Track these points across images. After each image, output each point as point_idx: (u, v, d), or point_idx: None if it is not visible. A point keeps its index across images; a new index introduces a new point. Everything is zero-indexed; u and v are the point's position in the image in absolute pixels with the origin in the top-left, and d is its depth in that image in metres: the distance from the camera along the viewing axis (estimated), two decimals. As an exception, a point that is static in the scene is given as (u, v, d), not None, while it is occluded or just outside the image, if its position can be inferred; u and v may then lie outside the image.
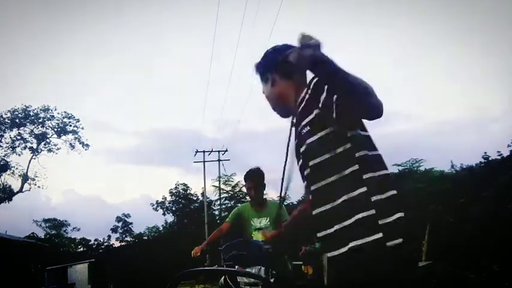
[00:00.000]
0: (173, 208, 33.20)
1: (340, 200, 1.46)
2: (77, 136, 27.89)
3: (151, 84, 57.62)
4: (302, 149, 1.59)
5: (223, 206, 28.21)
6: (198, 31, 57.39)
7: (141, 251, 29.78)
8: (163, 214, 33.70)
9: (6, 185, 26.88)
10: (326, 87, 1.43)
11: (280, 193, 1.64)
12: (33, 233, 34.80)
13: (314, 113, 1.52)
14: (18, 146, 27.08)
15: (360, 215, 1.40)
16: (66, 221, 39.63)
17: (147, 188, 74.24)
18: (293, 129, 1.61)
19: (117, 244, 36.72)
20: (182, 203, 32.75)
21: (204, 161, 26.76)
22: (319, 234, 1.53)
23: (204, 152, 26.78)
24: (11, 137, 26.99)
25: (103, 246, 37.11)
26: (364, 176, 1.44)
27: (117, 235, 37.09)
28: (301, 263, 13.15)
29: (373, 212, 1.40)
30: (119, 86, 56.35)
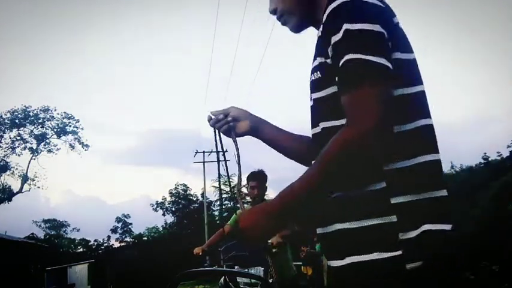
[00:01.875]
0: (173, 209, 33.23)
1: (343, 194, 1.02)
2: (76, 136, 27.92)
3: (152, 84, 57.63)
4: (311, 102, 1.14)
5: (223, 207, 28.22)
6: (198, 31, 57.44)
7: (141, 251, 29.77)
8: (163, 215, 33.76)
9: (6, 185, 26.91)
10: (332, 43, 0.98)
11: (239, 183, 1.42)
12: (32, 233, 34.79)
13: (318, 59, 1.08)
14: (18, 147, 27.10)
15: (373, 220, 0.97)
16: (65, 221, 39.66)
17: (147, 188, 74.28)
18: None
19: (116, 245, 36.75)
20: (182, 203, 32.77)
21: (203, 162, 26.79)
22: (318, 231, 1.12)
23: (203, 152, 26.81)
24: (10, 138, 27.01)
25: (103, 247, 37.09)
26: (385, 167, 0.98)
27: (117, 236, 37.12)
28: (301, 263, 13.16)
29: (394, 218, 0.96)
30: (119, 86, 56.35)
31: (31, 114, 27.00)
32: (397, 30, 1.04)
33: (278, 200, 1.02)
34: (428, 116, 1.04)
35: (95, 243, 37.67)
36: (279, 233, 3.44)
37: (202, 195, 28.86)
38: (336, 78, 0.99)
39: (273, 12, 1.24)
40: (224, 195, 27.86)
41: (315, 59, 1.10)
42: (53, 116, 27.56)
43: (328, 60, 1.03)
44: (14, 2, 49.90)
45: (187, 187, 32.93)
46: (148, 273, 23.09)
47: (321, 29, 1.07)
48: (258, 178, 4.22)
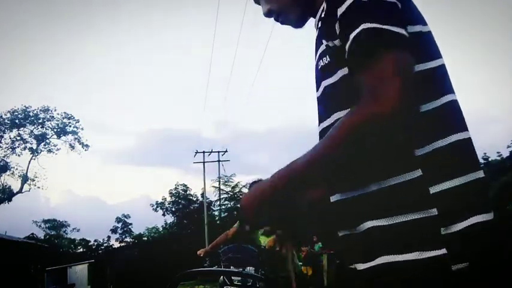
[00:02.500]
0: (173, 209, 33.19)
1: (374, 187, 0.88)
2: (76, 137, 27.94)
3: (152, 84, 57.63)
4: (319, 91, 1.03)
5: (223, 207, 28.24)
6: (198, 30, 57.46)
7: (141, 251, 29.78)
8: (163, 215, 33.72)
9: (6, 185, 26.93)
10: (339, 15, 0.88)
11: None
12: (32, 233, 34.78)
13: (325, 43, 0.98)
14: (18, 147, 27.13)
15: (411, 215, 0.83)
16: (65, 221, 39.65)
17: (147, 188, 74.26)
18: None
19: (116, 245, 36.72)
20: (182, 203, 32.74)
21: (203, 162, 26.78)
22: (341, 232, 0.99)
23: (203, 152, 26.82)
24: (10, 138, 27.04)
25: (103, 247, 37.08)
26: (418, 152, 0.86)
27: (117, 236, 37.08)
28: (301, 263, 13.10)
29: (434, 211, 0.83)
30: (119, 86, 56.34)
31: (31, 114, 27.02)
32: (410, 1, 0.95)
33: (275, 181, 0.92)
34: (452, 91, 0.94)
35: (95, 243, 37.67)
36: (272, 237, 3.66)
37: (202, 195, 28.86)
38: (347, 56, 0.87)
39: (268, 14, 1.12)
40: (224, 196, 27.87)
41: (320, 44, 1.01)
42: (53, 116, 27.62)
43: (337, 41, 0.91)
44: (14, 2, 49.94)
45: (187, 187, 32.94)
46: (148, 273, 23.08)
47: (324, 8, 0.98)
48: None
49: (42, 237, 36.19)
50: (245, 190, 27.70)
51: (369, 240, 0.89)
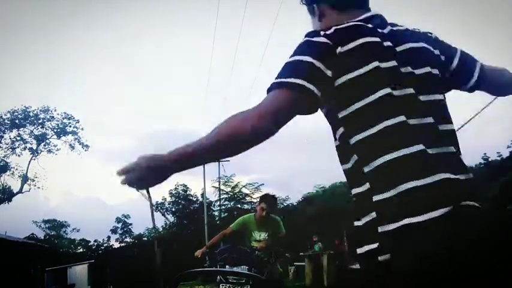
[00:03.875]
0: (173, 209, 33.19)
1: (353, 197, 1.19)
2: (76, 137, 27.93)
3: (152, 85, 57.66)
4: None
5: (223, 207, 28.23)
6: (198, 30, 57.47)
7: (140, 252, 29.76)
8: (163, 215, 33.71)
9: (6, 185, 26.91)
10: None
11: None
12: (32, 233, 34.81)
13: None
14: (18, 147, 27.11)
15: (364, 219, 1.12)
16: (65, 222, 39.66)
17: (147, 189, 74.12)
18: None
19: (116, 245, 36.72)
20: (182, 204, 32.74)
21: (203, 162, 26.74)
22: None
23: (203, 152, 26.76)
24: (10, 138, 27.03)
25: (103, 247, 37.09)
26: (365, 169, 1.12)
27: (117, 236, 37.07)
28: (304, 264, 13.06)
29: (374, 215, 1.08)
30: (119, 86, 56.35)
31: (31, 114, 27.02)
32: (350, 54, 1.14)
33: (173, 158, 1.15)
34: (393, 116, 1.11)
35: (95, 243, 37.68)
36: (264, 242, 4.49)
37: (202, 195, 28.85)
38: None
39: None
40: (224, 196, 27.85)
41: None
42: (53, 117, 27.60)
43: None
44: (14, 2, 49.94)
45: (187, 187, 32.93)
46: (148, 274, 23.10)
47: None
48: (269, 204, 4.79)
49: (42, 238, 36.20)
50: (245, 190, 27.71)
51: (355, 235, 1.16)
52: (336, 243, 15.77)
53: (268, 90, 1.16)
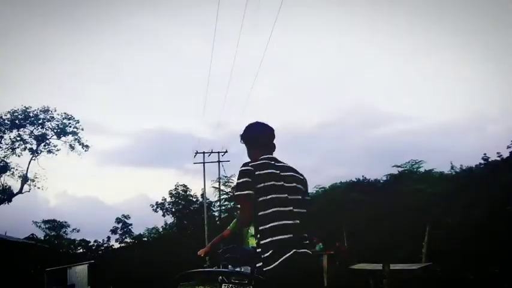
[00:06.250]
0: (173, 209, 33.21)
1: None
2: (76, 137, 27.90)
3: (153, 85, 57.67)
4: None
5: (223, 207, 28.22)
6: (199, 30, 57.46)
7: (140, 252, 29.77)
8: (163, 215, 33.73)
9: (6, 186, 26.88)
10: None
11: None
12: (32, 234, 34.81)
13: None
14: (18, 147, 27.08)
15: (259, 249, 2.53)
16: (65, 222, 39.68)
17: (147, 189, 74.25)
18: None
19: (116, 245, 36.73)
20: (182, 204, 32.75)
21: (204, 162, 26.79)
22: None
23: (204, 153, 26.81)
24: (10, 138, 26.99)
25: (103, 248, 37.11)
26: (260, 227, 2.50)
27: (117, 236, 37.09)
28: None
29: (261, 248, 2.49)
30: (120, 86, 56.39)
31: (31, 115, 26.99)
32: (258, 176, 2.48)
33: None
34: (277, 206, 2.45)
35: (95, 244, 37.69)
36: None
37: (202, 195, 28.86)
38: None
39: None
40: (224, 196, 27.85)
41: None
42: (53, 117, 27.55)
43: None
44: (14, 2, 49.94)
45: (187, 188, 32.95)
46: (148, 274, 23.10)
47: None
48: None
49: (42, 238, 36.20)
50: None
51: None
52: (336, 244, 15.78)
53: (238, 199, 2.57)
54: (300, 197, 2.55)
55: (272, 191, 2.42)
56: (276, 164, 2.56)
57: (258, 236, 2.49)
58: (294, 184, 2.54)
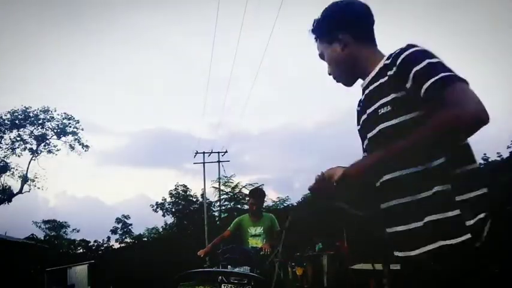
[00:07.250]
0: (173, 209, 33.17)
1: (423, 195, 1.30)
2: (76, 137, 27.89)
3: (153, 85, 57.66)
4: (375, 131, 1.42)
5: (223, 208, 28.20)
6: (199, 30, 57.47)
7: (140, 252, 29.75)
8: (163, 215, 33.70)
9: (5, 186, 26.86)
10: (412, 75, 1.28)
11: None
12: (32, 234, 34.81)
13: (395, 94, 1.34)
14: (18, 147, 27.04)
15: (446, 214, 1.26)
16: (65, 222, 39.68)
17: (147, 189, 74.28)
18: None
19: (116, 245, 36.73)
20: (182, 204, 32.72)
21: (203, 162, 26.77)
22: (389, 230, 1.44)
23: (204, 153, 26.79)
24: (10, 138, 26.95)
25: (103, 248, 37.11)
26: (452, 171, 1.28)
27: (117, 236, 37.11)
28: (305, 264, 13.05)
29: (458, 212, 1.25)
30: (120, 86, 56.39)
31: (31, 115, 26.97)
32: None
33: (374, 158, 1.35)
34: None
35: (95, 244, 37.70)
36: (268, 243, 4.60)
37: (202, 196, 28.83)
38: (424, 92, 1.24)
39: (330, 74, 1.64)
40: (224, 196, 27.83)
41: (382, 95, 1.38)
42: (53, 117, 27.53)
43: (404, 93, 1.31)
44: (14, 2, 49.92)
45: (187, 188, 32.91)
46: (148, 274, 23.08)
47: (389, 72, 1.35)
48: (258, 197, 5.04)
49: (42, 238, 36.20)
50: (245, 191, 27.69)
51: (427, 231, 1.29)
52: (337, 243, 15.77)
53: (447, 81, 1.23)
54: None
55: None
56: None
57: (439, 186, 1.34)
58: None
